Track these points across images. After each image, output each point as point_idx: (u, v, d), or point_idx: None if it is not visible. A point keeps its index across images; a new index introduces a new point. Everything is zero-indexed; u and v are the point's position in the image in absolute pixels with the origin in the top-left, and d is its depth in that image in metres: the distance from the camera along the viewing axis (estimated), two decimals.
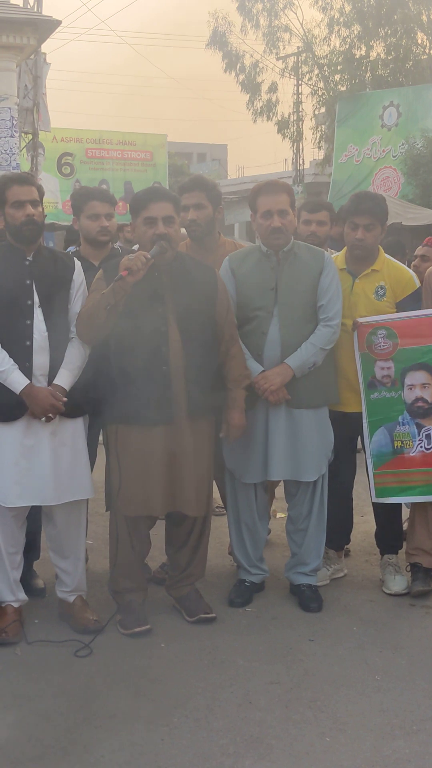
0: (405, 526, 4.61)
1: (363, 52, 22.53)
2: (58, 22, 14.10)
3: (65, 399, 3.76)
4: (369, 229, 4.24)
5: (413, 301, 4.30)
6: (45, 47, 16.27)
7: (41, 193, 3.89)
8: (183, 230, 4.29)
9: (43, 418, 3.75)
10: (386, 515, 4.45)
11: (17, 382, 3.71)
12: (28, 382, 3.72)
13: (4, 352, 3.73)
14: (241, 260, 4.20)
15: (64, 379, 3.81)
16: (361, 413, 4.30)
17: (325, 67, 23.15)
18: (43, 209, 3.89)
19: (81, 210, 4.45)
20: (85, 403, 3.92)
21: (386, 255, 4.40)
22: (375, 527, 4.57)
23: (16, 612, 3.91)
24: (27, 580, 4.16)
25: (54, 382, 3.79)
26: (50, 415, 3.74)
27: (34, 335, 3.77)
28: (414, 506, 4.41)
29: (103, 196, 4.49)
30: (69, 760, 2.96)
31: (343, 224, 4.40)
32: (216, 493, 4.64)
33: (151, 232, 3.81)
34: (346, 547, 4.77)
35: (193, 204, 4.34)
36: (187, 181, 4.54)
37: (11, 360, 3.72)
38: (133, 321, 3.77)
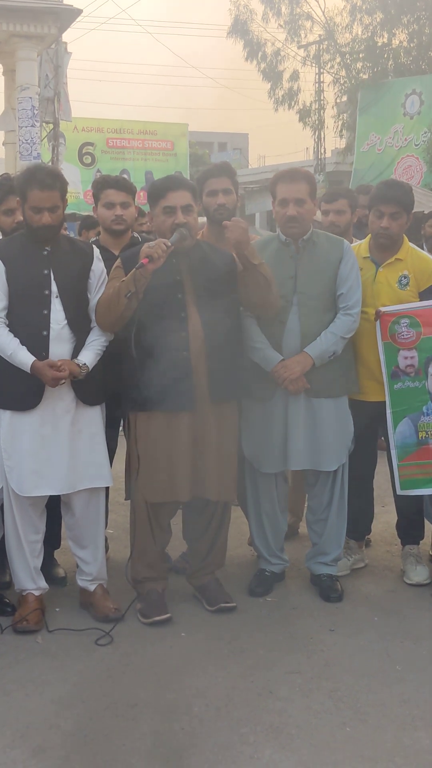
0: None
1: (385, 40, 22.31)
2: (79, 11, 14.13)
3: (89, 368, 3.77)
4: (395, 217, 4.20)
5: None
6: (66, 36, 16.35)
7: (64, 191, 3.81)
8: (202, 219, 4.27)
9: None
10: (408, 506, 4.42)
11: (24, 362, 3.70)
12: (34, 358, 3.71)
13: (10, 335, 3.72)
14: (260, 249, 4.17)
15: (87, 356, 3.82)
16: (382, 402, 4.26)
17: (347, 55, 22.96)
18: (65, 205, 3.84)
19: (98, 198, 4.42)
20: (103, 391, 3.92)
21: (410, 244, 4.36)
22: (396, 517, 4.56)
23: (38, 600, 3.93)
24: (48, 569, 4.18)
25: (77, 358, 3.80)
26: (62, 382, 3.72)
27: (51, 325, 3.76)
28: None
29: (119, 184, 4.42)
30: (90, 749, 2.97)
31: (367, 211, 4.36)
32: None
33: (170, 221, 3.81)
34: (366, 537, 4.75)
35: (222, 189, 4.34)
36: (212, 166, 4.52)
37: (16, 340, 3.71)
38: (153, 308, 3.77)
